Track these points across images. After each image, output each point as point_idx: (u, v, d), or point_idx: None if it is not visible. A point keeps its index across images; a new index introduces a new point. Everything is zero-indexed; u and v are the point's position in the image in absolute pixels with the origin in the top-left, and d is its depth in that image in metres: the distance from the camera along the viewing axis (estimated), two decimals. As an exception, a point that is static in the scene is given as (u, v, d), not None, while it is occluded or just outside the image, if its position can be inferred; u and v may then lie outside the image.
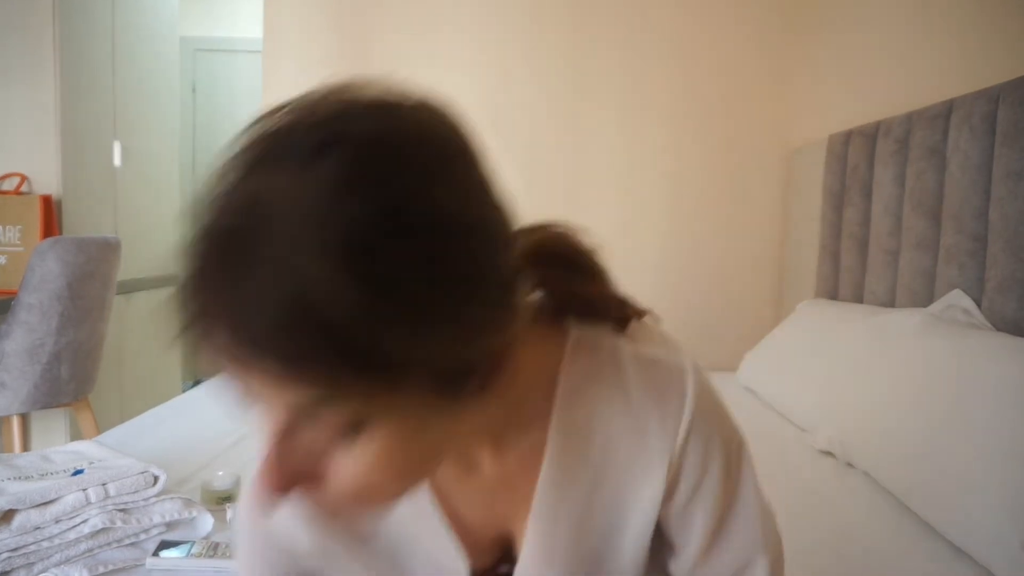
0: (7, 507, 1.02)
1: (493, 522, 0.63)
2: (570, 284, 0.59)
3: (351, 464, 0.44)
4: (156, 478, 1.17)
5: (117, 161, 3.05)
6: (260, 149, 0.42)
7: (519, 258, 0.49)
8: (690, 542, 0.63)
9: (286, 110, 0.43)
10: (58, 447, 1.31)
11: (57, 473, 1.15)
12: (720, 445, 0.60)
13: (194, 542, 1.09)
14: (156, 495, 1.14)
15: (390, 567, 0.63)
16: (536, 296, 0.59)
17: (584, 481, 0.60)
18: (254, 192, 0.40)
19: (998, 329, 1.39)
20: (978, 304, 1.47)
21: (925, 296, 1.68)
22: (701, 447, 0.58)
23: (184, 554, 1.05)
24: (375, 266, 0.39)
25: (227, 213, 0.41)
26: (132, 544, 1.10)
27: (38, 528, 1.03)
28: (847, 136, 2.13)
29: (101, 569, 1.03)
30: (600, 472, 0.60)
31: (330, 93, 0.46)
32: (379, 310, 0.39)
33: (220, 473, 1.29)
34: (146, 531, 1.12)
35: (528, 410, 0.58)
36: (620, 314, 0.61)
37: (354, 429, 0.43)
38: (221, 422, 1.80)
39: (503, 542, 0.64)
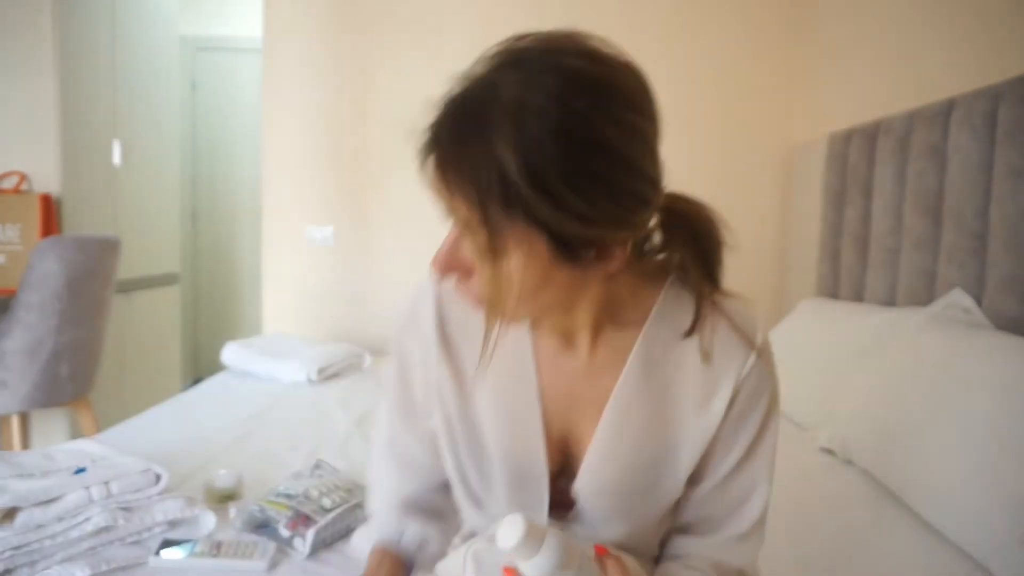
0: (10, 505, 1.03)
1: (568, 416, 0.74)
2: (690, 244, 0.72)
3: (488, 273, 0.61)
4: (158, 477, 1.17)
5: (117, 160, 3.05)
6: (504, 57, 0.60)
7: (659, 202, 0.65)
8: (719, 469, 0.74)
9: (530, 37, 0.61)
10: (61, 445, 1.31)
11: (59, 471, 1.15)
12: (770, 387, 0.73)
13: (196, 540, 1.09)
14: (158, 493, 1.15)
15: (477, 460, 0.76)
16: (656, 243, 0.74)
17: (655, 393, 0.72)
18: (494, 80, 0.58)
19: (998, 328, 1.39)
20: (978, 303, 1.47)
21: (925, 295, 1.68)
22: (756, 382, 0.72)
23: (186, 552, 1.06)
24: (561, 150, 0.56)
25: (471, 87, 0.59)
26: (134, 542, 1.10)
27: (41, 526, 1.03)
28: (847, 135, 2.13)
29: (103, 567, 1.03)
30: (669, 390, 0.72)
31: (563, 34, 0.62)
32: (553, 179, 0.56)
33: (222, 472, 1.29)
34: (148, 529, 1.12)
35: (625, 316, 0.73)
36: (714, 282, 0.73)
37: (495, 251, 0.59)
38: (222, 421, 1.80)
39: (564, 450, 0.75)
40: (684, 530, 0.79)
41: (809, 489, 1.41)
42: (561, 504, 0.77)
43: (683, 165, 2.66)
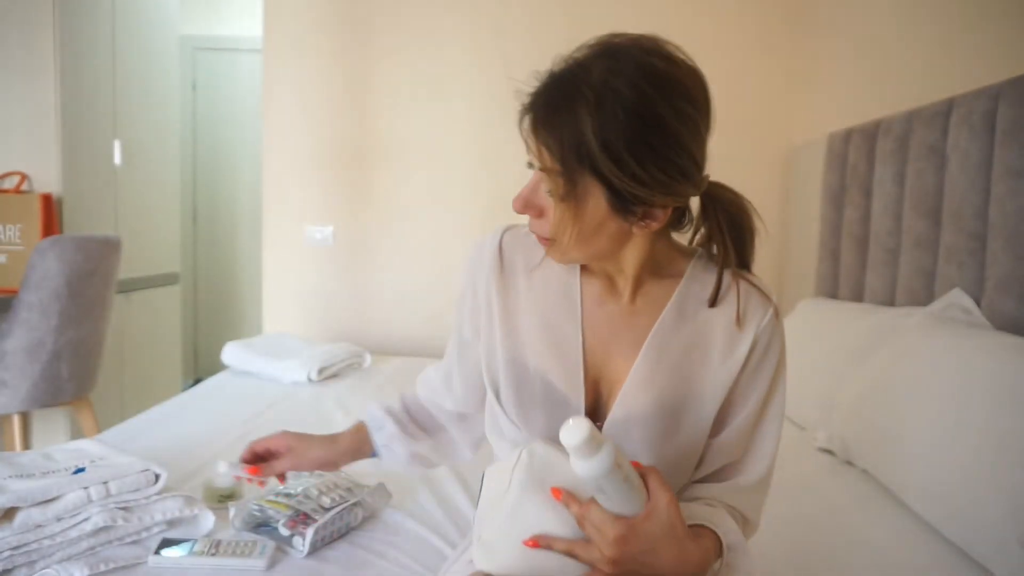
0: (9, 505, 1.03)
1: (605, 356, 0.85)
2: (724, 225, 0.83)
3: (559, 213, 0.76)
4: (157, 476, 1.17)
5: (117, 160, 3.05)
6: (600, 48, 0.75)
7: (701, 181, 0.78)
8: (735, 420, 0.84)
9: (624, 36, 0.75)
10: (59, 445, 1.31)
11: (58, 471, 1.15)
12: (780, 344, 0.86)
13: (195, 540, 1.09)
14: (157, 493, 1.15)
15: (518, 384, 0.87)
16: (693, 220, 0.86)
17: (685, 340, 0.83)
18: (588, 64, 0.74)
19: (998, 328, 1.39)
20: (978, 303, 1.47)
21: (925, 295, 1.68)
22: (770, 339, 0.84)
23: (185, 552, 1.06)
24: (629, 125, 0.71)
25: (569, 67, 0.75)
26: (133, 542, 1.11)
27: (40, 526, 1.03)
28: (847, 135, 2.13)
29: (102, 567, 1.03)
30: (698, 340, 0.83)
31: (649, 37, 0.76)
32: (619, 146, 0.71)
33: (221, 471, 1.29)
34: (147, 529, 1.12)
35: (663, 273, 0.86)
36: (742, 263, 0.85)
37: (567, 196, 0.74)
38: (222, 421, 1.80)
39: (597, 390, 0.85)
40: (700, 479, 0.87)
41: (808, 490, 1.41)
42: None
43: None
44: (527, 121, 0.75)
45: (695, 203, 0.83)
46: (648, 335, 0.83)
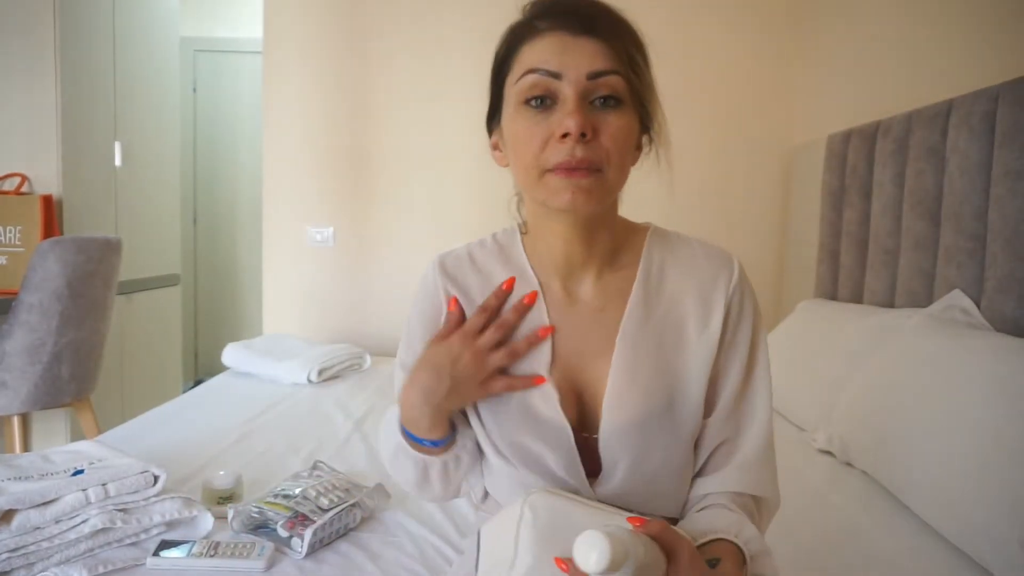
0: (7, 507, 1.03)
1: (580, 365, 0.80)
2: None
3: (613, 120, 0.73)
4: (156, 478, 1.17)
5: (118, 161, 3.05)
6: None
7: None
8: (724, 393, 0.81)
9: None
10: (58, 447, 1.31)
11: (57, 473, 1.15)
12: (752, 304, 0.83)
13: (194, 542, 1.09)
14: (156, 495, 1.15)
15: (494, 407, 0.81)
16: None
17: (658, 324, 0.80)
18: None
19: (997, 329, 1.39)
20: (977, 304, 1.47)
21: (924, 296, 1.68)
22: (742, 298, 0.82)
23: (184, 554, 1.06)
24: (640, 43, 0.77)
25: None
26: (132, 544, 1.11)
27: (38, 528, 1.03)
28: (846, 136, 2.13)
29: (101, 569, 1.03)
30: (670, 320, 0.80)
31: None
32: (643, 55, 0.77)
33: (221, 472, 1.30)
34: (146, 531, 1.12)
35: (622, 257, 0.83)
36: None
37: (617, 102, 0.73)
38: (222, 422, 1.80)
39: (580, 403, 0.81)
40: (699, 473, 0.82)
41: (808, 491, 1.40)
42: (591, 462, 0.79)
43: (684, 166, 2.66)
44: (573, 25, 0.73)
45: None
46: (620, 328, 0.79)
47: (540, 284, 0.83)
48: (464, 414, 0.85)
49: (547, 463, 0.78)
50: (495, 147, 0.84)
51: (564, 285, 0.83)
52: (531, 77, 0.73)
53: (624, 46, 0.74)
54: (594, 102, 0.72)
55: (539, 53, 0.73)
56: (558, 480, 0.78)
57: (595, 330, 0.81)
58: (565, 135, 0.70)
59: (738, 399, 0.81)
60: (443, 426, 0.80)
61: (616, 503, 0.77)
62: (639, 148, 0.80)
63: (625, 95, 0.73)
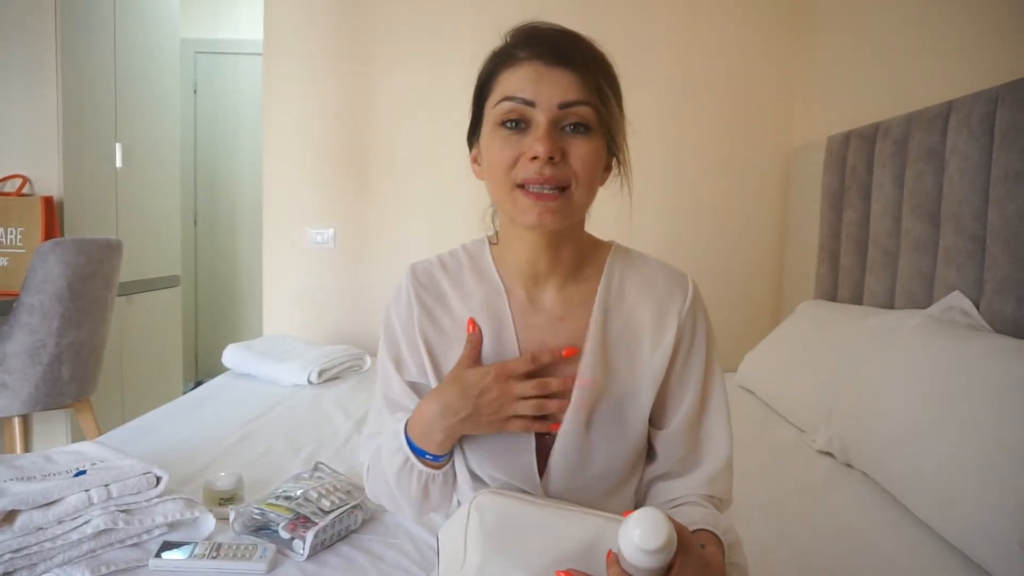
0: (10, 508, 1.03)
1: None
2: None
3: (591, 146, 0.78)
4: (158, 479, 1.17)
5: (118, 163, 3.05)
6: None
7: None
8: (681, 407, 0.86)
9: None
10: (60, 448, 1.31)
11: (59, 474, 1.15)
12: (704, 325, 0.88)
13: (196, 543, 1.09)
14: (158, 496, 1.15)
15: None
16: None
17: (616, 330, 0.85)
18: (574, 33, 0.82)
19: (997, 330, 1.40)
20: (977, 305, 1.47)
21: (924, 297, 1.68)
22: (695, 319, 0.87)
23: (186, 555, 1.06)
24: (612, 74, 0.82)
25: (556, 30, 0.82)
26: (134, 545, 1.11)
27: (41, 529, 1.04)
28: (846, 137, 2.13)
29: (103, 570, 1.03)
30: (628, 326, 0.85)
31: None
32: (613, 86, 0.82)
33: (222, 474, 1.30)
34: (148, 532, 1.13)
35: (585, 270, 0.88)
36: None
37: (586, 129, 0.78)
38: (222, 423, 1.80)
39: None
40: (665, 476, 0.88)
41: (808, 492, 1.41)
42: (539, 460, 0.83)
43: (684, 167, 2.67)
44: (548, 57, 0.78)
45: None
46: (582, 342, 0.84)
47: (506, 291, 0.88)
48: None
49: (505, 456, 0.83)
50: (475, 160, 0.88)
51: (528, 293, 0.87)
52: (507, 104, 0.78)
53: (595, 78, 0.78)
54: (564, 128, 0.78)
55: (516, 81, 0.78)
56: (514, 479, 0.82)
57: (554, 337, 0.85)
58: (535, 157, 0.76)
59: (698, 414, 0.87)
60: (452, 443, 0.82)
61: (563, 499, 0.81)
62: (608, 169, 0.85)
63: (594, 123, 0.78)
